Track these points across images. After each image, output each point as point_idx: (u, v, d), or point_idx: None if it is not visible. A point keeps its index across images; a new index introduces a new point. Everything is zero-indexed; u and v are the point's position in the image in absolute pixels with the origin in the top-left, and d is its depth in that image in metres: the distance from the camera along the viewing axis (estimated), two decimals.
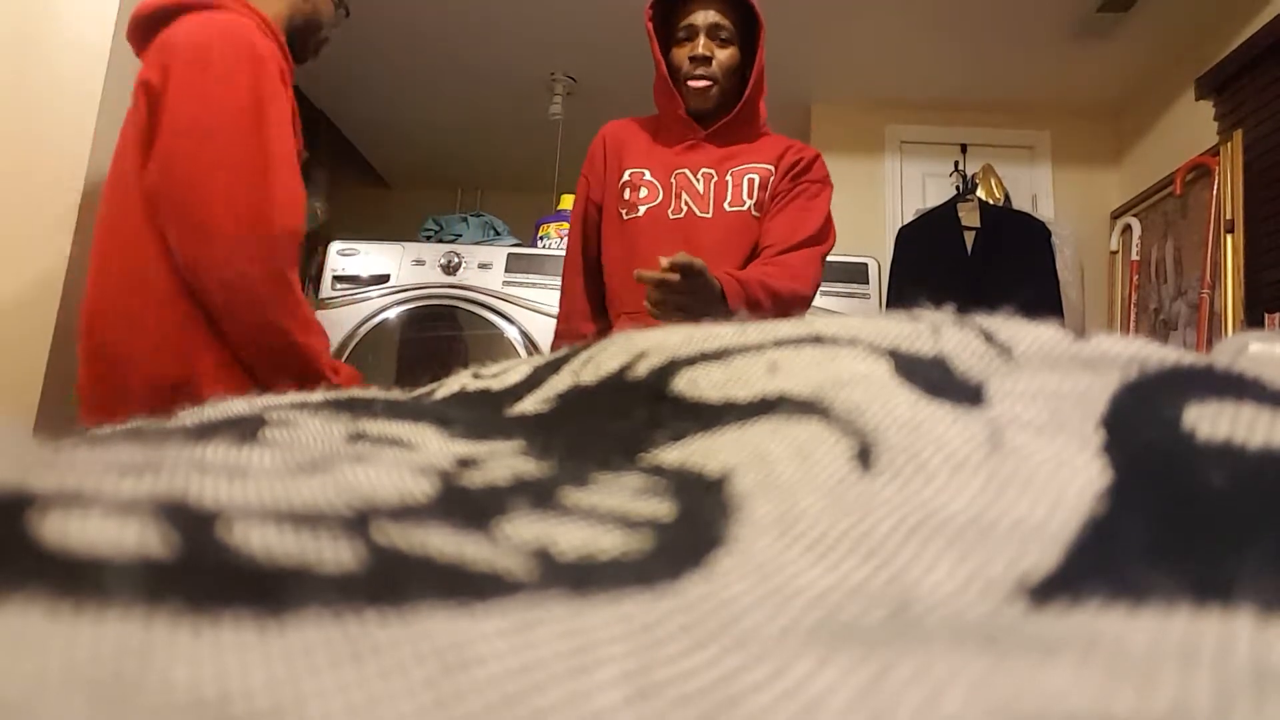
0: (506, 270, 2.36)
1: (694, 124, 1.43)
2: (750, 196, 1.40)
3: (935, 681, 0.12)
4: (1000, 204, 2.87)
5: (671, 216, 1.42)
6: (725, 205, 1.41)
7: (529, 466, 0.22)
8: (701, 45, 1.38)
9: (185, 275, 1.05)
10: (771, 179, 1.40)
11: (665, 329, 0.30)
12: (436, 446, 0.25)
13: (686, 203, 1.43)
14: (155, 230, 1.07)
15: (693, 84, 1.39)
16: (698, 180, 1.43)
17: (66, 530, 0.14)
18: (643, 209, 1.44)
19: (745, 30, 1.41)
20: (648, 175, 1.46)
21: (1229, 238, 2.36)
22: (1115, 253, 2.98)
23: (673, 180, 1.43)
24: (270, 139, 1.09)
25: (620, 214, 1.45)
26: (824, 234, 1.39)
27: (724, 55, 1.39)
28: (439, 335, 2.34)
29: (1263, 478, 0.17)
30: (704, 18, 1.39)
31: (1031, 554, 0.15)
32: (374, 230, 2.66)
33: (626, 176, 1.46)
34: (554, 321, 2.35)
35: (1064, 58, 2.83)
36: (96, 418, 1.12)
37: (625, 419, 0.25)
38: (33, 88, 1.77)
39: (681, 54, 1.40)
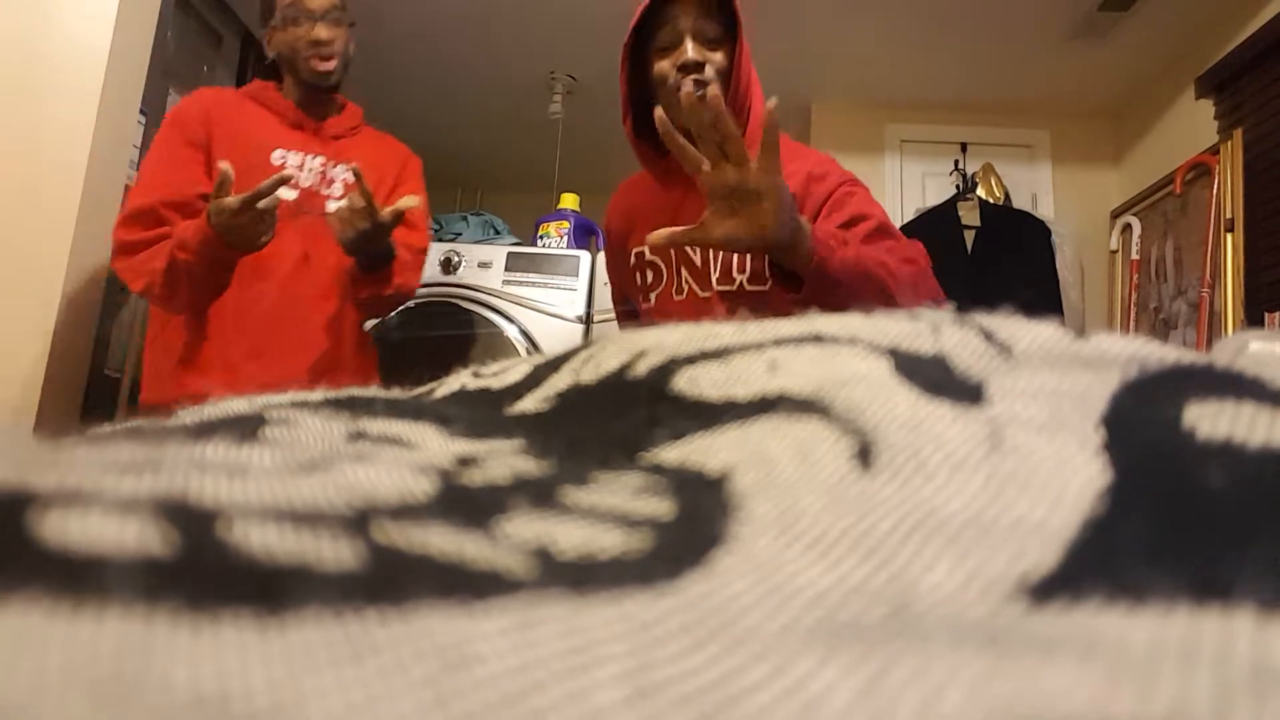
0: (506, 269, 2.36)
1: (679, 170, 1.10)
2: (742, 271, 1.13)
3: (935, 681, 0.12)
4: (1000, 203, 2.87)
5: (675, 298, 1.20)
6: (715, 282, 1.15)
7: (529, 465, 0.22)
8: (690, 49, 1.11)
9: None
10: None
11: (664, 328, 0.30)
12: (436, 445, 0.25)
13: (687, 281, 1.19)
14: None
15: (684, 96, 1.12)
16: (694, 250, 1.17)
17: (66, 529, 0.14)
18: (653, 296, 1.23)
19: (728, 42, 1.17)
20: (647, 254, 1.24)
21: (1229, 236, 2.36)
22: (1115, 252, 2.98)
23: (673, 252, 1.19)
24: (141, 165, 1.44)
25: (640, 303, 1.26)
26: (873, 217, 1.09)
27: (717, 58, 1.13)
28: (443, 335, 2.34)
29: (1263, 477, 0.17)
30: (687, 21, 1.12)
31: (1031, 553, 0.15)
32: None
33: (633, 259, 1.27)
34: (553, 320, 2.33)
35: (1064, 57, 2.83)
36: None
37: (625, 418, 0.25)
38: (33, 88, 1.77)
39: (665, 66, 1.14)
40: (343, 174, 1.50)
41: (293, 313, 1.43)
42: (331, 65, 1.46)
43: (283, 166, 1.45)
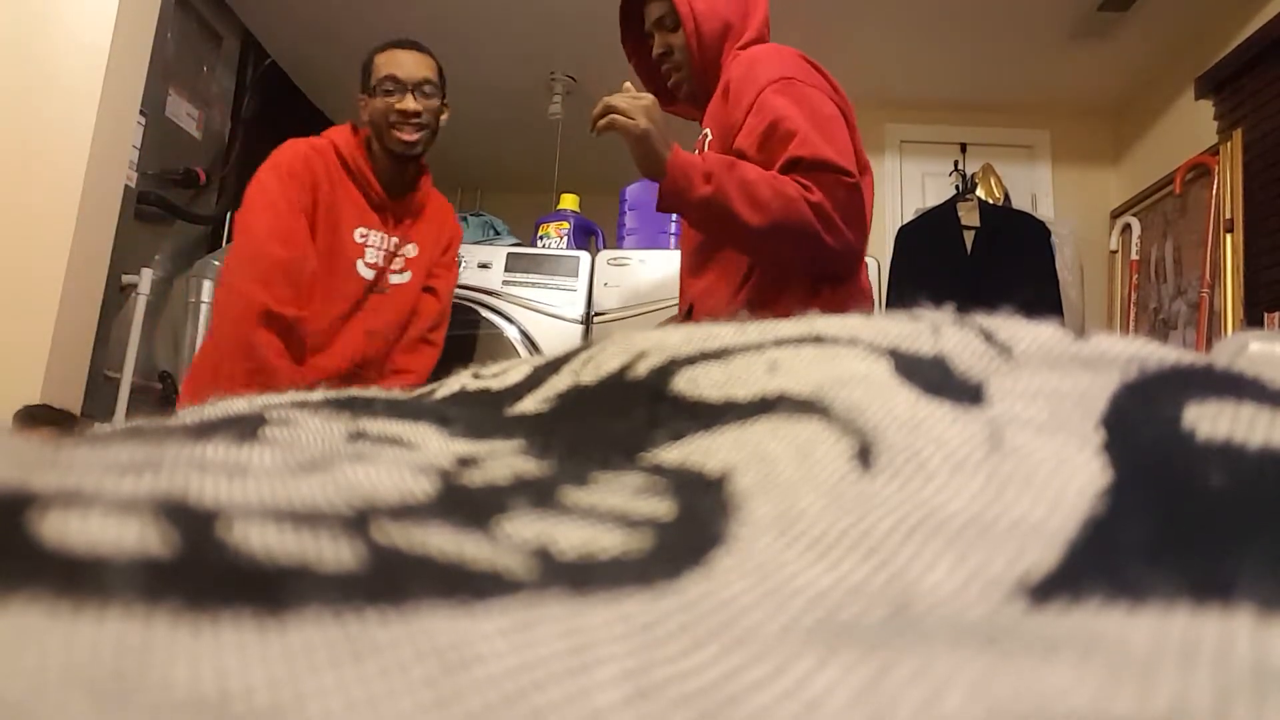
0: (506, 270, 2.36)
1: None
2: None
3: (935, 681, 0.12)
4: (1000, 203, 2.87)
5: None
6: None
7: (529, 466, 0.22)
8: (657, 42, 1.36)
9: None
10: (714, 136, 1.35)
11: (664, 329, 0.30)
12: (436, 445, 0.25)
13: None
14: None
15: (670, 84, 1.39)
16: None
17: (66, 529, 0.14)
18: None
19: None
20: None
21: (1228, 237, 2.36)
22: (1115, 252, 2.98)
23: None
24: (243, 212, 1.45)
25: None
26: None
27: (677, 39, 1.33)
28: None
29: (1263, 477, 0.17)
30: (650, 18, 1.36)
31: (1031, 553, 0.15)
32: None
33: None
34: (553, 320, 2.35)
35: (1063, 57, 2.83)
36: None
37: (625, 418, 0.25)
38: (33, 88, 1.77)
39: (653, 56, 1.39)
40: (407, 253, 1.58)
41: (356, 384, 1.46)
42: (416, 136, 1.52)
43: (363, 244, 1.52)
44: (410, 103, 1.52)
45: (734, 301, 1.22)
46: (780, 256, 1.18)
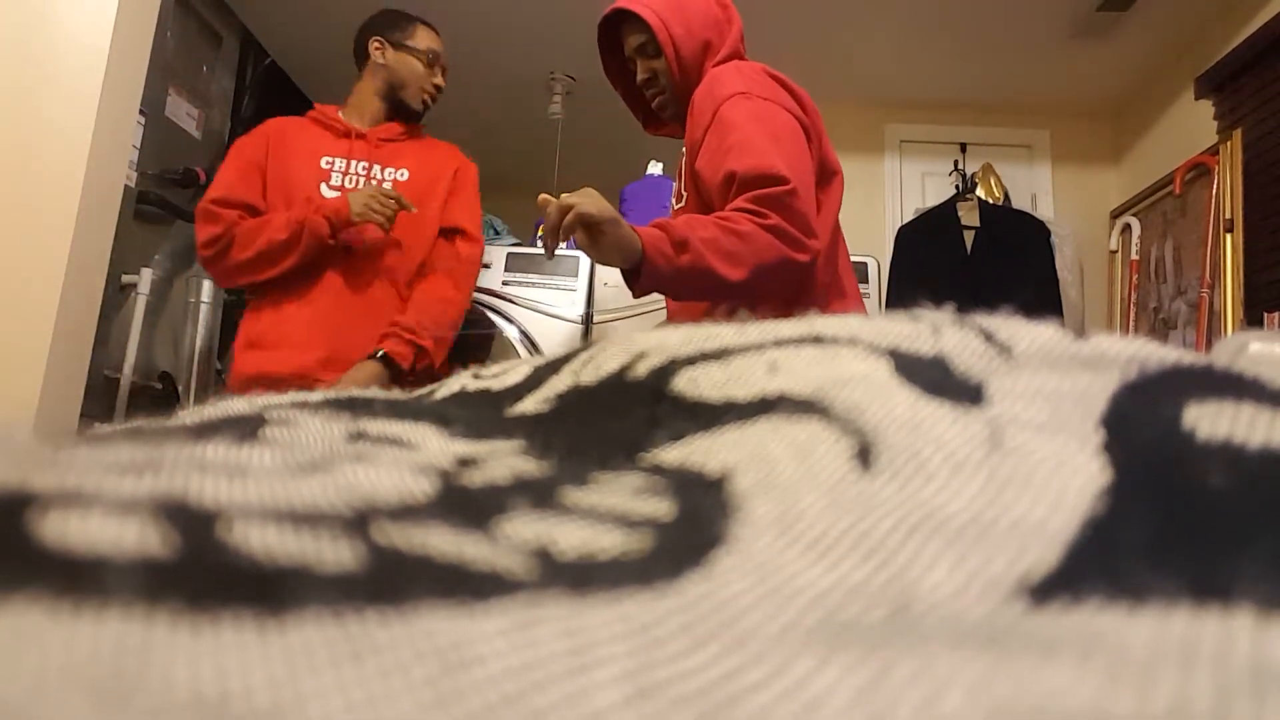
0: (506, 269, 2.36)
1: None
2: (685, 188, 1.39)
3: (935, 681, 0.12)
4: (1000, 203, 2.87)
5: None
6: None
7: (529, 466, 0.22)
8: (639, 68, 1.38)
9: None
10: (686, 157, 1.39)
11: (664, 329, 0.30)
12: (436, 446, 0.25)
13: None
14: None
15: (655, 106, 1.41)
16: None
17: (66, 530, 0.14)
18: None
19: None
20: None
21: (1228, 237, 2.36)
22: (1115, 252, 2.98)
23: None
24: None
25: None
26: None
27: (659, 64, 1.35)
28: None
29: (1262, 477, 0.17)
30: (629, 47, 1.38)
31: (1031, 553, 0.15)
32: None
33: None
34: (553, 321, 2.36)
35: (1063, 57, 2.83)
36: None
37: (625, 419, 0.25)
38: (32, 88, 1.77)
39: (637, 81, 1.41)
40: (391, 176, 1.73)
41: (343, 299, 1.65)
42: (432, 101, 1.81)
43: (329, 170, 1.70)
44: (440, 79, 1.80)
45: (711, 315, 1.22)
46: (763, 294, 1.16)
